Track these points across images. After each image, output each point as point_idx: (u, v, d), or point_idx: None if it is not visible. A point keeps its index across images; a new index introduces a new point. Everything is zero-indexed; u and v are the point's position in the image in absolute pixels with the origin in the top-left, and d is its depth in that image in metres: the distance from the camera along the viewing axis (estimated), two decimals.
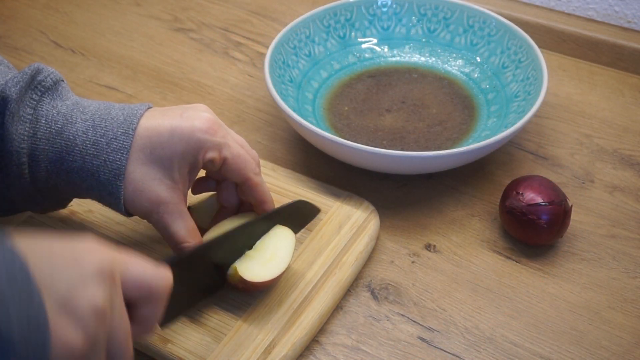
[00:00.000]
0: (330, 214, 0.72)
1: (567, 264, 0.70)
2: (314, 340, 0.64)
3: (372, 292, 0.68)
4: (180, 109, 0.62)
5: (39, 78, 0.60)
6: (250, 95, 0.91)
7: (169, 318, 0.59)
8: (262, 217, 0.65)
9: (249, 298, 0.64)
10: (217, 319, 0.63)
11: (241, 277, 0.61)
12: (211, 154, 0.61)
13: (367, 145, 0.73)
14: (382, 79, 0.89)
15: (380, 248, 0.72)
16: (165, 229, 0.61)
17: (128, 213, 0.61)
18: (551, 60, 0.95)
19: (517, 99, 0.81)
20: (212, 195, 0.69)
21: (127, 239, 0.70)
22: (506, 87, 0.84)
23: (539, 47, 0.84)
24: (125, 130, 0.59)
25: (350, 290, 0.68)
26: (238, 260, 0.63)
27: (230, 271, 0.62)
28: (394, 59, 0.91)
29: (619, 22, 0.96)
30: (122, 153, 0.59)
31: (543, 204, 0.68)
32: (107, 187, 0.60)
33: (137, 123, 0.60)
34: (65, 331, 0.43)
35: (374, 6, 0.91)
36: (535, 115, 0.84)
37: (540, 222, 0.68)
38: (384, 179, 0.78)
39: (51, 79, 0.61)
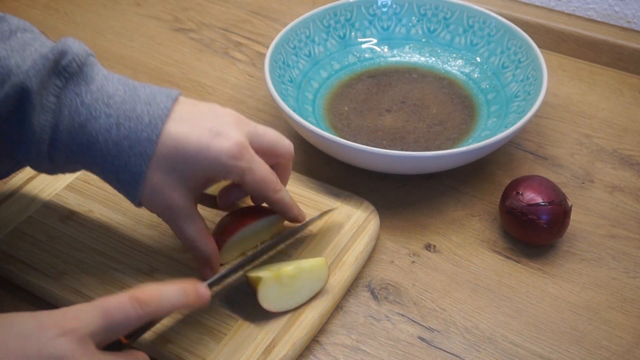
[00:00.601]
0: (331, 214, 0.72)
1: (567, 264, 0.70)
2: (314, 340, 0.64)
3: (372, 292, 0.68)
4: (211, 121, 0.61)
5: (63, 63, 0.58)
6: (250, 95, 0.91)
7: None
8: (281, 238, 0.67)
9: (249, 298, 0.64)
10: (217, 318, 0.63)
11: (256, 293, 0.61)
12: (232, 177, 0.61)
13: (367, 145, 0.73)
14: (382, 79, 0.89)
15: (380, 248, 0.72)
16: (178, 230, 0.62)
17: (140, 204, 0.62)
18: (551, 60, 0.95)
19: (517, 99, 0.81)
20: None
21: (127, 239, 0.70)
22: (506, 87, 0.84)
23: (539, 47, 0.84)
24: (149, 135, 0.58)
25: (350, 290, 0.68)
26: (266, 271, 0.63)
27: (252, 279, 0.62)
28: (394, 59, 0.91)
29: (619, 22, 0.96)
30: (144, 159, 0.59)
31: (543, 204, 0.68)
32: (125, 187, 0.60)
33: (162, 128, 0.59)
34: None
35: (374, 6, 0.91)
36: (535, 115, 0.84)
37: (540, 222, 0.68)
38: (384, 179, 0.78)
39: (76, 62, 0.59)
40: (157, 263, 0.68)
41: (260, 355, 0.60)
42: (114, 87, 0.60)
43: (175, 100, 0.61)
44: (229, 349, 0.60)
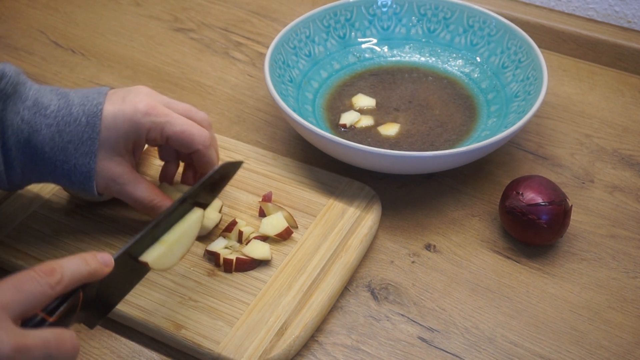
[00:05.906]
0: (333, 199, 0.73)
1: (567, 264, 0.70)
2: (314, 340, 0.64)
3: (372, 292, 0.68)
4: (123, 92, 0.66)
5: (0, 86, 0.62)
6: (250, 95, 0.91)
7: (97, 319, 0.58)
8: (180, 200, 0.64)
9: (259, 283, 0.65)
10: (228, 304, 0.64)
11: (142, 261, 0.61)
12: (153, 134, 0.65)
13: (367, 145, 0.73)
14: (382, 79, 0.89)
15: (380, 248, 0.72)
16: (129, 197, 0.66)
17: (99, 194, 0.67)
18: (551, 60, 0.95)
19: (517, 99, 0.81)
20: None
21: (133, 230, 0.70)
22: (506, 87, 0.84)
23: (539, 47, 0.84)
24: (90, 135, 0.63)
25: (350, 290, 0.68)
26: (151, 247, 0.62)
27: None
28: (394, 58, 0.91)
29: (619, 22, 0.96)
30: (91, 157, 0.64)
31: (543, 204, 0.68)
32: (81, 186, 0.65)
33: (100, 125, 0.63)
34: None
35: (374, 6, 0.91)
36: (535, 115, 0.84)
37: (540, 222, 0.68)
38: (384, 179, 0.78)
39: (11, 83, 0.62)
40: None
41: (273, 337, 0.61)
42: (48, 99, 0.64)
43: (105, 94, 0.65)
44: (242, 333, 0.62)
